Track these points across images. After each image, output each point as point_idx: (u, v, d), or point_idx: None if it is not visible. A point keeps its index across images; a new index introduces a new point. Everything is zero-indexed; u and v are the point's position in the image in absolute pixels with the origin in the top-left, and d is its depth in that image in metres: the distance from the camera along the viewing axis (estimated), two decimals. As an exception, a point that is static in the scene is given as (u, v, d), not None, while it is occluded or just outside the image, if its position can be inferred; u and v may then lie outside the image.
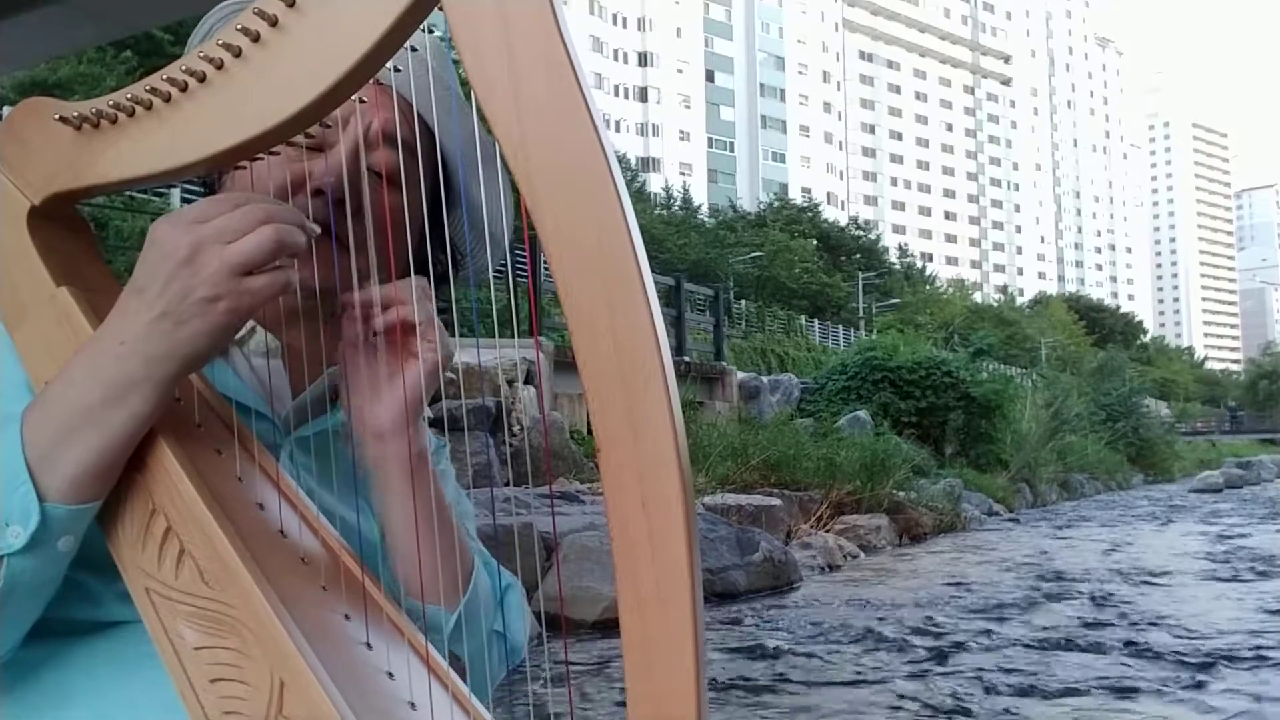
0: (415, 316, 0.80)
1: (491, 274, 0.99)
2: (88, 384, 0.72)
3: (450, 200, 0.96)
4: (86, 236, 0.86)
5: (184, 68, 0.71)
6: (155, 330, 0.71)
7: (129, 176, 0.75)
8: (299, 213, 0.75)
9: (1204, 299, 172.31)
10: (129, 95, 0.73)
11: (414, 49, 0.74)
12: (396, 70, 0.76)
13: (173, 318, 0.71)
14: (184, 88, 0.71)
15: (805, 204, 56.45)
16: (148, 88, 0.72)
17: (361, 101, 0.77)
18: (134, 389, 0.72)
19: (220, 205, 0.73)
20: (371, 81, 0.84)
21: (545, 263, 0.59)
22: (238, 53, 0.69)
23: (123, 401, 0.72)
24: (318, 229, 0.77)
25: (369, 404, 0.82)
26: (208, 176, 0.88)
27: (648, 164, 72.85)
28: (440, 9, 0.62)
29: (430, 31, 0.76)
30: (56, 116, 0.77)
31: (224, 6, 0.85)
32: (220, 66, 0.70)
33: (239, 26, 0.68)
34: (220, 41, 0.69)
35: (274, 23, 0.67)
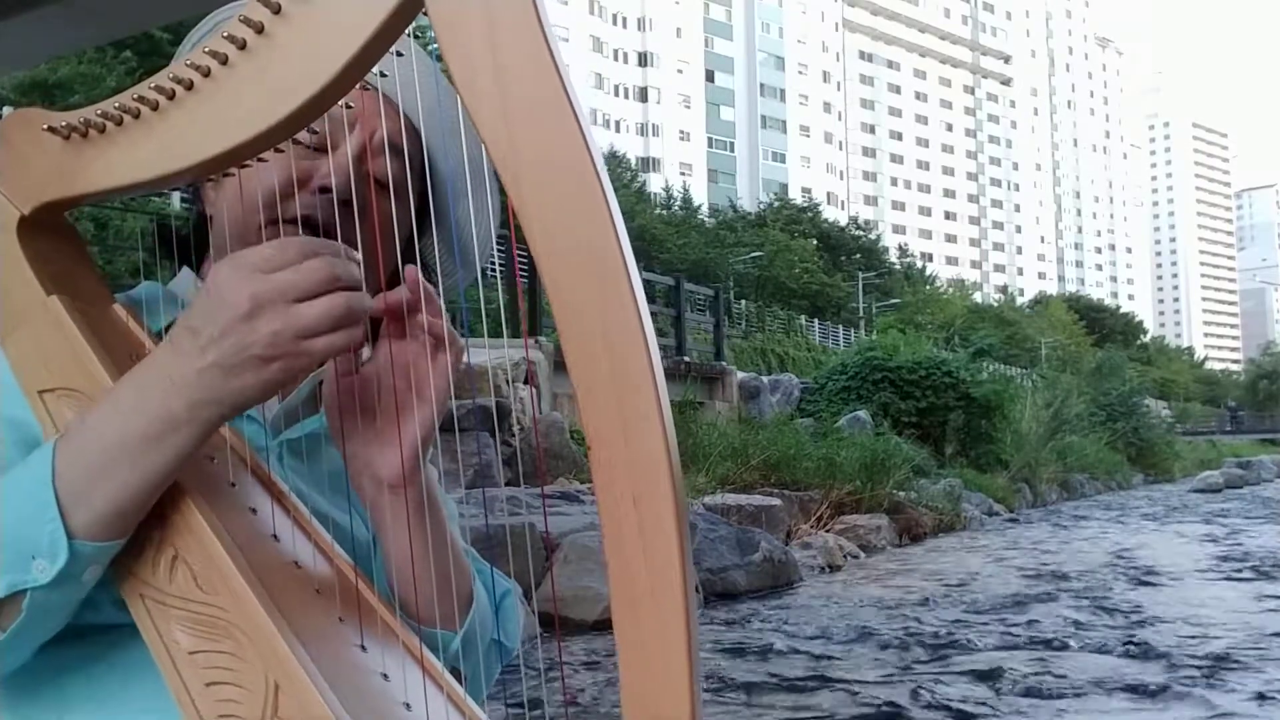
0: (429, 327, 0.78)
1: (484, 276, 0.99)
2: (131, 419, 0.71)
3: (432, 215, 0.95)
4: (78, 245, 0.86)
5: (172, 76, 0.71)
6: (204, 378, 0.70)
7: (119, 185, 0.75)
8: (357, 268, 0.72)
9: (1204, 299, 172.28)
10: (117, 104, 0.73)
11: (400, 54, 0.74)
12: (383, 75, 0.76)
13: (223, 368, 0.69)
14: (172, 96, 0.71)
15: (805, 204, 56.55)
16: (136, 96, 0.72)
17: (349, 107, 0.77)
18: (176, 430, 0.70)
19: (285, 254, 0.70)
20: (368, 89, 0.84)
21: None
22: (224, 60, 0.69)
23: (163, 441, 0.70)
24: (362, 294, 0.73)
25: (372, 451, 0.80)
26: (197, 181, 0.88)
27: (648, 164, 72.86)
28: (425, 13, 0.62)
29: (417, 37, 0.76)
30: (45, 127, 0.77)
31: (215, 15, 0.85)
32: (208, 74, 0.70)
33: (226, 34, 0.68)
34: (207, 49, 0.69)
35: (260, 30, 0.67)
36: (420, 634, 0.81)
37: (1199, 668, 5.77)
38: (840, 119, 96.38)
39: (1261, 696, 5.15)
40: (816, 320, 35.93)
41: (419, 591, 0.81)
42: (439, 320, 0.78)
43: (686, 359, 17.09)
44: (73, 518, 0.69)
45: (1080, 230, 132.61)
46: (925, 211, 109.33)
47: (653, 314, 0.60)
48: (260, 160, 0.73)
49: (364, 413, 0.80)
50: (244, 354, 0.69)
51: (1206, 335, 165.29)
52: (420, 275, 0.78)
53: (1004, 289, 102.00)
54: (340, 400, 0.80)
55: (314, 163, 0.85)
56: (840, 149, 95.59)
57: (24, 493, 0.70)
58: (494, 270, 1.00)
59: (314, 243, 0.73)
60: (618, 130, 75.93)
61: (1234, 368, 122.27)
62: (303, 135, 0.74)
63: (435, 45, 0.64)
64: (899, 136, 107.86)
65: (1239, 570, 10.24)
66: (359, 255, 0.74)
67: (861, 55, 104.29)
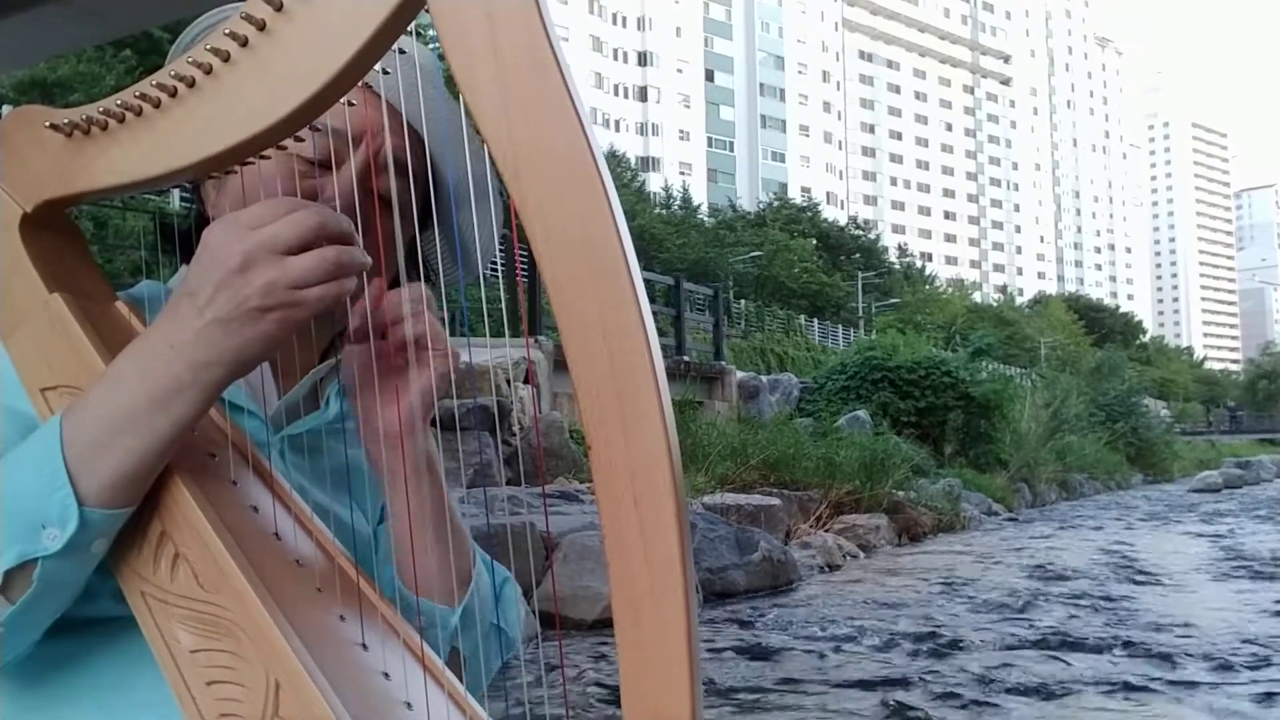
0: (427, 328, 0.80)
1: (485, 275, 0.99)
2: (134, 386, 0.71)
3: (432, 218, 0.96)
4: (79, 243, 0.86)
5: (173, 73, 0.71)
6: (204, 337, 0.71)
7: (120, 182, 0.75)
8: (347, 219, 0.74)
9: (1203, 299, 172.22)
10: (119, 101, 0.73)
11: (402, 51, 0.75)
12: (385, 73, 0.76)
13: (222, 325, 0.70)
14: (174, 93, 0.71)
15: (805, 204, 56.52)
16: (137, 94, 0.72)
17: (351, 104, 0.77)
18: (180, 394, 0.71)
19: (274, 210, 0.72)
20: (373, 93, 0.85)
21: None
22: (226, 57, 0.69)
23: (168, 406, 0.71)
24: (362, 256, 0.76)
25: (378, 406, 0.82)
26: (198, 180, 0.88)
27: (647, 163, 72.82)
28: (426, 10, 0.62)
29: (418, 35, 0.76)
30: (47, 124, 0.77)
31: (210, 15, 0.85)
32: (210, 71, 0.70)
33: (227, 31, 0.68)
34: (209, 47, 0.69)
35: (262, 27, 0.67)
36: (419, 608, 0.82)
37: (1198, 667, 5.77)
38: (840, 119, 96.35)
39: (1262, 696, 5.15)
40: (816, 320, 35.90)
41: (418, 561, 0.82)
42: (432, 324, 0.81)
43: (686, 358, 17.09)
44: (82, 485, 0.70)
45: (1080, 230, 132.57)
46: (925, 211, 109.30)
47: (653, 314, 0.60)
48: (263, 158, 0.74)
49: (375, 377, 0.82)
50: (240, 308, 0.70)
51: (1206, 335, 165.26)
52: (416, 277, 0.79)
53: (1003, 289, 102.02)
54: (357, 364, 0.83)
55: (318, 182, 0.85)
56: (840, 149, 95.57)
57: (33, 464, 0.71)
58: (494, 270, 1.01)
59: (303, 200, 0.75)
60: (617, 130, 75.90)
61: (1233, 368, 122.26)
62: (306, 146, 0.75)
63: (436, 44, 0.64)
64: (898, 136, 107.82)
65: (1238, 570, 10.25)
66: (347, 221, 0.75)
67: (861, 55, 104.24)
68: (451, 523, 0.85)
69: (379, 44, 0.65)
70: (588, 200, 0.58)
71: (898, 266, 59.12)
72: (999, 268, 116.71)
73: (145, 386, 0.71)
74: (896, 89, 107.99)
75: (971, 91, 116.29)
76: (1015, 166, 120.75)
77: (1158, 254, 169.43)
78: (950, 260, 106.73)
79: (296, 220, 0.71)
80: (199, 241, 0.72)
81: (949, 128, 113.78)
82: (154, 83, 0.71)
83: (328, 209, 0.74)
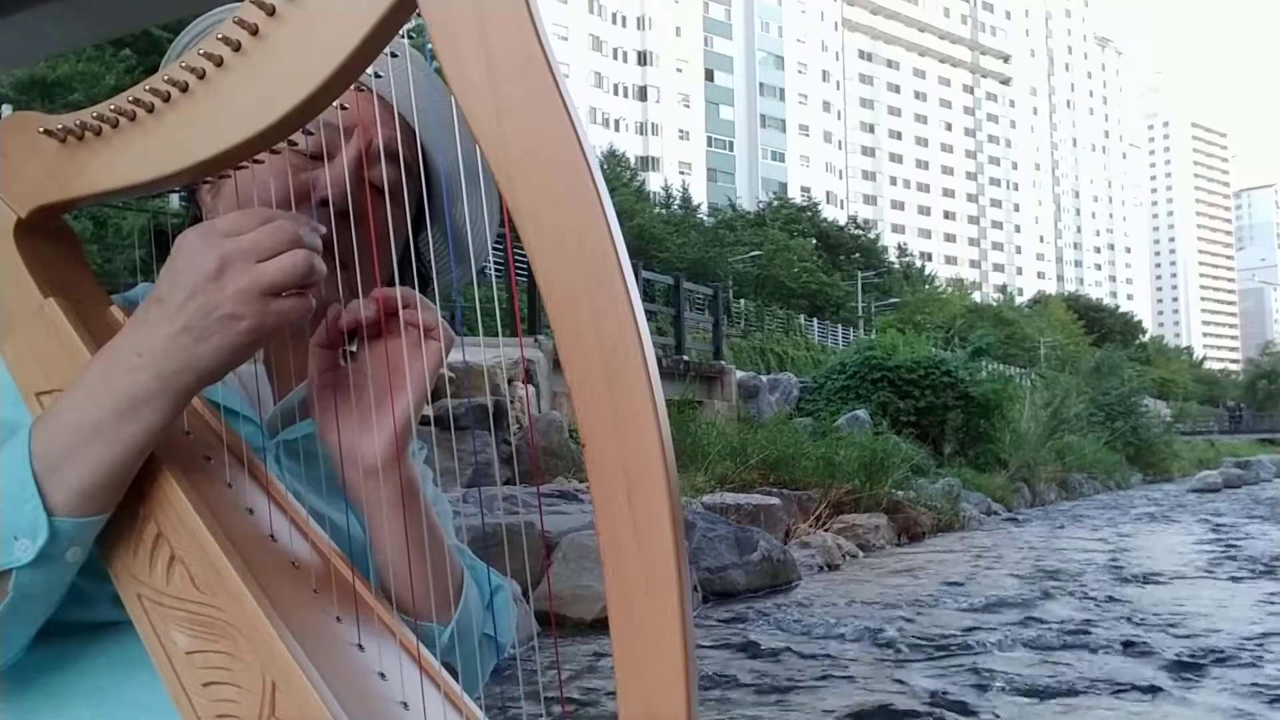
0: (421, 320, 0.79)
1: (483, 275, 0.99)
2: (101, 396, 0.71)
3: (429, 216, 0.96)
4: (74, 248, 0.86)
5: (166, 78, 0.71)
6: (174, 344, 0.70)
7: (114, 187, 0.75)
8: (316, 233, 0.74)
9: (1203, 299, 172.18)
10: (113, 106, 0.73)
11: (394, 54, 0.74)
12: (378, 76, 0.77)
13: (194, 333, 0.70)
14: (167, 98, 0.71)
15: (804, 203, 56.55)
16: (131, 99, 0.72)
17: (343, 108, 0.77)
18: (147, 402, 0.71)
19: (250, 220, 0.71)
20: (366, 92, 0.84)
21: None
22: (219, 62, 0.69)
23: (135, 414, 0.70)
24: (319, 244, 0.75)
25: (354, 437, 0.80)
26: (193, 184, 0.88)
27: (647, 163, 72.82)
28: (418, 14, 0.62)
29: (411, 38, 0.76)
30: (41, 130, 0.77)
31: (208, 16, 0.85)
32: (202, 76, 0.70)
33: (220, 35, 0.68)
34: (202, 51, 0.69)
35: (255, 31, 0.68)
36: (414, 628, 0.81)
37: (1196, 667, 5.78)
38: (839, 118, 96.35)
39: (1259, 696, 5.16)
40: (815, 319, 35.91)
41: (402, 582, 0.82)
42: (430, 312, 0.79)
43: (685, 358, 17.07)
44: (51, 496, 0.70)
45: (1079, 230, 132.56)
46: (924, 211, 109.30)
47: (652, 313, 0.60)
48: (256, 162, 0.74)
49: (346, 404, 0.81)
50: (213, 314, 0.69)
51: (1205, 335, 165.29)
52: (414, 280, 0.78)
53: (1003, 288, 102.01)
54: (321, 395, 0.81)
55: (313, 174, 0.85)
56: (839, 148, 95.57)
57: (4, 475, 0.71)
58: (490, 268, 1.01)
59: (278, 211, 0.74)
60: (617, 129, 75.86)
61: (1233, 367, 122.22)
62: (300, 140, 0.75)
63: (429, 45, 0.64)
64: (898, 136, 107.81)
65: (1237, 570, 10.25)
66: (322, 228, 0.75)
67: (861, 54, 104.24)
68: (434, 542, 0.84)
69: (371, 47, 0.65)
70: (580, 200, 0.58)
71: (897, 266, 59.11)
72: (999, 267, 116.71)
73: (112, 395, 0.71)
74: (896, 89, 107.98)
75: (971, 91, 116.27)
76: (1015, 166, 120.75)
77: (1157, 254, 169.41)
78: (950, 260, 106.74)
79: (274, 230, 0.71)
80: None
81: (949, 128, 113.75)
82: (147, 87, 0.72)
83: (304, 220, 0.73)
